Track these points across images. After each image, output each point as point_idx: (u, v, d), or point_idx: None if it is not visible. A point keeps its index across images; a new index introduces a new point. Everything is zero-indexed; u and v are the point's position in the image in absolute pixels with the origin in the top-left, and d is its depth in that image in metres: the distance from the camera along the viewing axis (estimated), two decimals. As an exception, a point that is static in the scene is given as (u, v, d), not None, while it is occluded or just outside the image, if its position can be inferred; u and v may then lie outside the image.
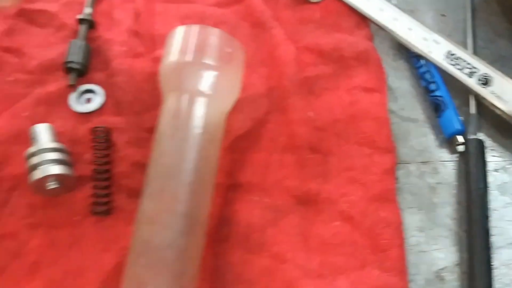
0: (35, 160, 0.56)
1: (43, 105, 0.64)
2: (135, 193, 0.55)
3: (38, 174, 0.55)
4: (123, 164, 0.59)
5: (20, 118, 0.63)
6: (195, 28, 0.57)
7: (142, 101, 0.63)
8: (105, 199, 0.57)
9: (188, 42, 0.56)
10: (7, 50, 0.70)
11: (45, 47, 0.70)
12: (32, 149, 0.57)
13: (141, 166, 0.57)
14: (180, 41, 0.57)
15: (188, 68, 0.55)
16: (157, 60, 0.65)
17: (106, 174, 0.58)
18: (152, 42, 0.68)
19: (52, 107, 0.64)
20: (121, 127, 0.61)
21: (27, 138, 0.61)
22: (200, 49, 0.55)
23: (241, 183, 0.58)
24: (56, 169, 0.55)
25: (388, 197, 0.56)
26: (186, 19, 0.69)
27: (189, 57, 0.55)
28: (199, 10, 0.70)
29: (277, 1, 0.71)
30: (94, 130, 0.60)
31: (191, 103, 0.54)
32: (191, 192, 0.50)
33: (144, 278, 0.45)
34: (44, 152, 0.56)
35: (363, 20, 0.69)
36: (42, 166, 0.55)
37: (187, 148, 0.51)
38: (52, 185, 0.55)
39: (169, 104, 0.54)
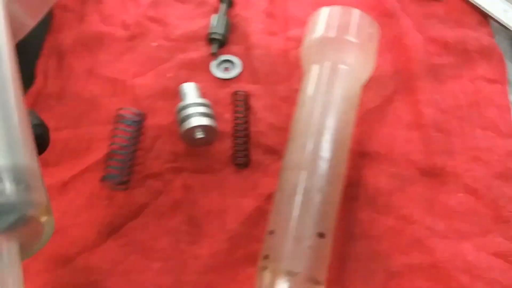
0: (185, 112, 0.60)
1: (186, 69, 0.70)
2: (270, 150, 0.61)
3: (188, 124, 0.60)
4: (260, 124, 0.63)
5: (164, 78, 0.69)
6: (338, 9, 0.61)
7: (276, 73, 0.68)
8: (244, 153, 0.60)
9: (332, 20, 0.61)
10: (152, 19, 0.76)
11: (187, 20, 0.75)
12: (182, 103, 0.62)
13: (275, 128, 0.63)
14: (324, 19, 0.61)
15: (332, 43, 0.59)
16: (289, 39, 0.71)
17: (245, 131, 0.62)
18: (285, 23, 0.73)
19: (194, 71, 0.69)
20: (258, 94, 0.66)
21: (171, 95, 0.66)
22: (343, 27, 0.60)
23: (369, 152, 0.61)
24: (204, 121, 0.60)
25: (511, 176, 0.58)
26: (317, 5, 0.72)
27: (332, 33, 0.60)
28: (328, -2, 0.74)
29: (403, -4, 0.74)
30: (235, 93, 0.65)
31: (334, 71, 0.58)
32: (332, 148, 0.53)
33: (293, 215, 0.49)
34: (194, 106, 0.61)
35: (484, 18, 0.72)
36: (192, 118, 0.60)
37: (330, 110, 0.55)
38: (199, 134, 0.60)
39: (313, 73, 0.58)
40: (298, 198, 0.50)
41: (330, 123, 0.54)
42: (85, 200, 0.59)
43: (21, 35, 0.60)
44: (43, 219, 0.37)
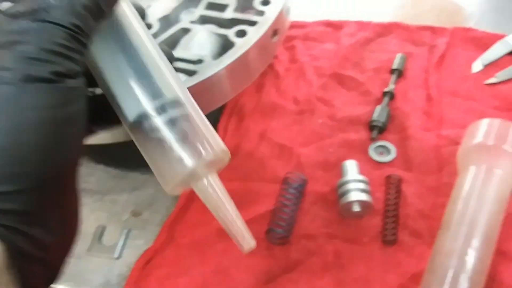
0: (347, 187, 0.64)
1: (345, 147, 0.73)
2: (416, 233, 0.62)
3: (349, 197, 0.63)
4: (408, 208, 0.65)
5: (326, 152, 0.73)
6: (498, 121, 0.63)
7: (428, 165, 0.70)
8: (392, 231, 0.62)
9: (492, 130, 0.63)
10: (320, 99, 0.81)
11: (351, 105, 0.80)
12: (345, 178, 0.65)
13: (423, 214, 0.64)
14: (484, 129, 0.63)
15: (490, 150, 0.61)
16: (442, 137, 0.73)
17: (394, 211, 0.64)
18: (439, 122, 0.75)
19: (352, 150, 0.73)
20: (409, 180, 0.68)
21: (330, 167, 0.70)
22: (501, 137, 0.62)
23: (506, 251, 0.61)
24: (363, 196, 0.63)
25: None
26: (468, 113, 0.75)
27: (491, 141, 0.61)
28: (480, 108, 0.76)
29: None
30: (389, 176, 0.67)
31: (489, 174, 0.59)
32: (481, 244, 0.54)
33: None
34: (354, 182, 0.64)
35: None
36: (352, 192, 0.63)
37: (483, 209, 0.57)
38: (356, 208, 0.63)
39: (470, 173, 0.60)
40: (447, 281, 0.51)
41: (482, 221, 0.55)
42: (247, 247, 0.63)
43: (222, 102, 0.66)
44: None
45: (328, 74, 0.83)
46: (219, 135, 0.72)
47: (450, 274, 0.52)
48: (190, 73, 0.61)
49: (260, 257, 0.62)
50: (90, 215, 0.68)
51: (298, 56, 0.88)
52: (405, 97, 0.79)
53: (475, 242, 0.54)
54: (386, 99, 0.76)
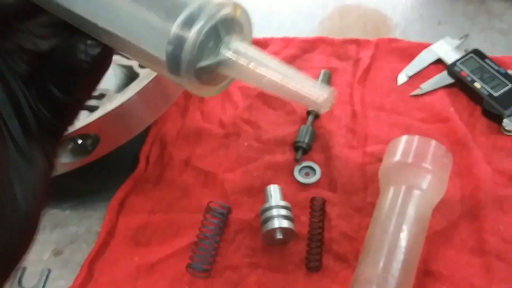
0: (269, 213, 0.62)
1: (271, 169, 0.72)
2: (341, 257, 0.61)
3: (270, 225, 0.61)
4: (333, 231, 0.64)
5: (251, 176, 0.71)
6: (416, 138, 0.63)
7: (352, 184, 0.69)
8: (316, 257, 0.61)
9: (411, 147, 0.62)
10: (246, 121, 0.79)
11: (277, 125, 0.78)
12: (267, 205, 0.63)
13: (347, 237, 0.63)
14: (403, 146, 0.63)
15: (409, 168, 0.61)
16: (367, 154, 0.72)
17: (319, 236, 0.63)
18: (364, 139, 0.74)
19: (278, 173, 0.71)
20: (333, 201, 0.67)
21: (255, 192, 0.68)
22: (420, 155, 0.61)
23: (432, 271, 0.60)
24: (285, 223, 0.61)
25: None
26: (393, 127, 0.75)
27: (410, 159, 0.61)
28: (405, 122, 0.76)
29: (474, 127, 0.75)
30: (313, 199, 0.66)
31: (408, 194, 0.58)
32: (403, 267, 0.53)
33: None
34: (277, 208, 0.63)
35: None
36: (274, 220, 0.62)
37: (403, 230, 0.56)
38: (279, 235, 0.61)
39: (390, 194, 0.59)
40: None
41: (403, 243, 0.55)
42: (168, 283, 0.61)
43: (139, 130, 0.64)
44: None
45: (254, 94, 0.82)
46: (141, 165, 0.70)
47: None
48: (92, 108, 0.59)
49: (182, 292, 0.59)
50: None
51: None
52: (330, 115, 0.78)
53: (395, 268, 0.53)
54: (310, 118, 0.75)
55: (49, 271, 0.64)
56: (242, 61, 0.26)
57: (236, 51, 0.26)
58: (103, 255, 0.64)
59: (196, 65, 0.25)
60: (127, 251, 0.64)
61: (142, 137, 0.75)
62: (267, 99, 0.81)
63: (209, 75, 0.26)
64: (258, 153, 0.74)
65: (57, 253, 0.65)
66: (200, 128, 0.78)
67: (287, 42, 0.89)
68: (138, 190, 0.70)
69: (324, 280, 0.60)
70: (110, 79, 0.64)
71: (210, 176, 0.71)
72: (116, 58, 0.65)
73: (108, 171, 0.74)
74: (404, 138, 0.63)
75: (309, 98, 0.25)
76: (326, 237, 0.63)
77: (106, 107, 0.58)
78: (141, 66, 0.62)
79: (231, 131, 0.77)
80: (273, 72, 0.25)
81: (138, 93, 0.59)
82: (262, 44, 0.90)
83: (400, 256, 0.54)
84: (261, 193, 0.68)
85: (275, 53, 0.88)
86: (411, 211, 0.57)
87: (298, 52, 0.88)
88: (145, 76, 0.61)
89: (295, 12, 0.95)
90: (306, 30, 0.91)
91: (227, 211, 0.65)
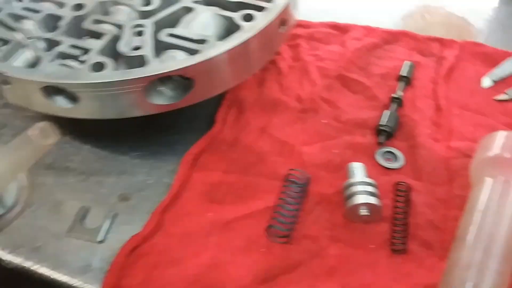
0: (354, 189, 0.59)
1: (351, 149, 0.69)
2: (427, 244, 0.58)
3: (356, 200, 0.58)
4: (419, 218, 0.60)
5: (330, 152, 0.68)
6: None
7: (437, 176, 0.66)
8: (402, 240, 0.57)
9: (508, 143, 0.59)
10: (325, 100, 0.76)
11: (356, 108, 0.75)
12: (352, 180, 0.60)
13: (433, 225, 0.60)
14: (502, 141, 0.60)
15: (507, 163, 0.57)
16: (451, 148, 0.69)
17: (404, 220, 0.59)
18: (449, 133, 0.71)
19: (358, 154, 0.68)
20: (418, 189, 0.64)
21: (334, 168, 0.65)
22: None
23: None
24: (372, 200, 0.58)
25: None
26: (479, 127, 0.72)
27: (508, 154, 0.58)
28: (490, 123, 0.73)
29: None
30: (398, 183, 0.63)
31: (507, 187, 0.55)
32: (500, 260, 0.50)
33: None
34: (362, 185, 0.59)
35: None
36: (360, 195, 0.58)
37: (502, 224, 0.52)
38: (365, 212, 0.58)
39: (486, 185, 0.56)
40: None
41: (502, 234, 0.51)
42: (244, 243, 0.57)
43: (233, 84, 0.61)
44: None
45: (333, 75, 0.79)
46: (217, 125, 0.66)
47: (469, 287, 0.47)
48: (192, 51, 0.56)
49: (258, 254, 0.56)
50: (72, 195, 0.61)
51: (302, 55, 0.84)
52: (413, 105, 0.75)
53: (495, 256, 0.50)
54: (394, 105, 0.72)
55: (115, 214, 0.59)
56: None
57: None
58: (174, 206, 0.61)
59: None
60: (201, 206, 0.61)
61: (216, 100, 0.72)
62: (346, 81, 0.79)
63: None
64: (337, 132, 0.71)
65: (124, 198, 0.62)
66: (277, 100, 0.75)
67: (368, 30, 0.88)
68: (213, 149, 0.67)
69: (408, 264, 0.56)
70: (210, 26, 0.61)
71: (286, 146, 0.68)
72: (215, 8, 0.62)
73: (181, 128, 0.70)
74: (502, 133, 0.61)
75: None
76: (412, 222, 0.60)
77: (207, 53, 0.54)
78: (244, 19, 0.58)
79: (308, 106, 0.75)
80: None
81: (241, 44, 0.56)
82: (342, 29, 0.88)
83: (500, 245, 0.50)
84: (340, 170, 0.65)
85: (356, 39, 0.86)
86: (510, 203, 0.53)
87: (379, 41, 0.86)
88: (249, 29, 0.57)
89: (377, 4, 0.92)
90: (387, 23, 0.89)
91: (307, 181, 0.61)
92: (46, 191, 0.62)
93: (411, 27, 0.88)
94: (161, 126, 0.70)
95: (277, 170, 0.65)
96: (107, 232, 0.58)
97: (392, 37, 0.85)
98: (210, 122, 0.70)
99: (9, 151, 0.53)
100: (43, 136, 0.51)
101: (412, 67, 0.78)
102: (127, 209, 0.61)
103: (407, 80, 0.77)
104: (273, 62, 0.80)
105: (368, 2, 0.93)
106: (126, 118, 0.58)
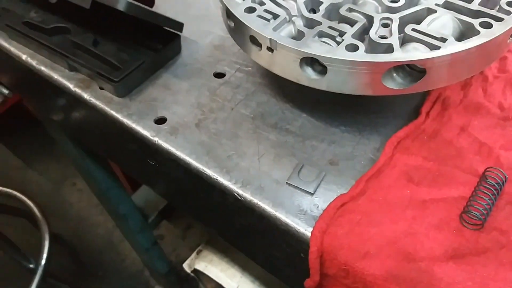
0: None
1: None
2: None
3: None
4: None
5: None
6: None
7: None
8: None
9: None
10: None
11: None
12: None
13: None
14: None
15: None
16: None
17: None
18: None
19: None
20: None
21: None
22: None
23: None
24: None
25: None
26: None
27: None
28: None
29: None
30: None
31: None
32: None
33: None
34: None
35: None
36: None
37: None
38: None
39: None
40: None
41: None
42: (437, 221, 0.63)
43: (457, 80, 0.67)
44: None
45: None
46: (421, 117, 0.73)
47: None
48: (432, 47, 0.63)
49: (450, 233, 0.62)
50: (291, 152, 0.72)
51: (508, 67, 0.86)
52: None
53: None
54: None
55: (325, 174, 0.68)
56: None
57: None
58: (378, 178, 0.68)
59: None
60: (400, 182, 0.68)
61: (421, 94, 0.78)
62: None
63: None
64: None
65: (333, 163, 0.71)
66: (480, 104, 0.79)
67: None
68: (415, 136, 0.74)
69: None
70: (448, 28, 0.67)
71: (485, 147, 0.72)
72: (454, 13, 0.68)
73: (386, 113, 0.78)
74: None
75: None
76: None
77: (447, 48, 0.61)
78: (482, 26, 0.64)
79: (510, 115, 0.77)
80: None
81: (477, 46, 0.61)
82: None
83: None
84: (536, 179, 0.67)
85: None
86: None
87: None
88: (486, 34, 0.63)
89: None
90: None
91: (504, 180, 0.65)
92: (270, 144, 0.73)
93: None
94: (369, 110, 0.77)
95: (474, 167, 0.69)
96: (318, 187, 0.67)
97: None
98: (413, 113, 0.77)
99: None
100: None
101: None
102: (335, 172, 0.70)
103: None
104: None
105: None
106: (343, 99, 0.66)
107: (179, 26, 0.87)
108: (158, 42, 0.88)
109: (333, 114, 0.78)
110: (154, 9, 1.02)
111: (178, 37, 0.88)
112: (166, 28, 0.89)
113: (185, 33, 0.91)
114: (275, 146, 0.73)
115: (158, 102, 0.81)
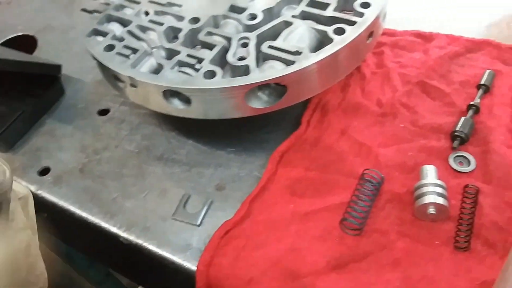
0: (424, 189, 0.63)
1: (425, 152, 0.73)
2: (490, 243, 0.62)
3: (425, 200, 0.63)
4: (484, 219, 0.64)
5: (405, 155, 0.73)
6: None
7: (508, 180, 0.68)
8: (466, 238, 0.61)
9: None
10: (404, 105, 0.80)
11: (434, 114, 0.79)
12: (422, 182, 0.65)
13: (498, 227, 0.63)
14: None
15: None
16: (524, 156, 0.70)
17: (469, 220, 0.63)
18: (524, 142, 0.73)
19: (431, 157, 0.72)
20: (487, 193, 0.67)
21: (407, 170, 0.70)
22: None
23: None
24: (440, 200, 0.62)
25: None
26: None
27: None
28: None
29: None
30: (467, 185, 0.66)
31: None
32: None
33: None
34: (432, 185, 0.64)
35: None
36: (429, 195, 0.63)
37: None
38: (432, 211, 0.62)
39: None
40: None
41: None
42: (320, 232, 0.64)
43: (321, 90, 0.68)
44: None
45: (414, 82, 0.83)
46: (302, 127, 0.74)
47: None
48: (288, 62, 0.63)
49: (332, 243, 0.63)
50: (178, 184, 0.71)
51: (385, 61, 0.88)
52: (490, 112, 0.77)
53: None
54: (470, 112, 0.76)
55: (212, 202, 0.68)
56: None
57: None
58: (262, 197, 0.69)
59: None
60: (284, 197, 0.68)
61: (302, 103, 0.79)
62: (426, 88, 0.82)
63: None
64: (413, 136, 0.75)
65: (220, 188, 0.71)
66: (359, 104, 0.81)
67: (452, 39, 0.90)
68: (297, 148, 0.74)
69: (470, 260, 0.60)
70: (305, 39, 0.67)
71: (364, 147, 0.74)
72: (311, 22, 0.69)
73: (270, 128, 0.78)
74: None
75: None
76: (476, 222, 0.63)
77: (301, 63, 0.61)
78: (335, 33, 0.65)
79: (388, 111, 0.79)
80: None
81: (330, 55, 0.62)
82: (426, 37, 0.91)
83: None
84: (413, 171, 0.69)
85: (439, 48, 0.89)
86: None
87: (461, 50, 0.88)
88: (339, 42, 0.64)
89: (461, 13, 0.95)
90: (471, 31, 0.90)
91: (381, 180, 0.67)
92: (155, 179, 0.72)
93: (495, 36, 0.89)
94: (254, 126, 0.77)
95: (354, 169, 0.71)
96: (204, 216, 0.67)
97: (475, 46, 0.87)
98: (296, 123, 0.77)
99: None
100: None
101: (493, 76, 0.81)
102: (221, 197, 0.70)
103: (485, 88, 0.79)
104: (357, 68, 0.86)
105: (452, 11, 0.94)
106: (225, 119, 0.67)
107: (57, 69, 0.85)
108: (39, 87, 0.85)
109: (219, 136, 0.78)
110: (37, 51, 0.99)
111: (57, 79, 0.86)
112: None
113: (68, 71, 0.89)
114: (161, 179, 0.72)
115: (42, 151, 0.79)
